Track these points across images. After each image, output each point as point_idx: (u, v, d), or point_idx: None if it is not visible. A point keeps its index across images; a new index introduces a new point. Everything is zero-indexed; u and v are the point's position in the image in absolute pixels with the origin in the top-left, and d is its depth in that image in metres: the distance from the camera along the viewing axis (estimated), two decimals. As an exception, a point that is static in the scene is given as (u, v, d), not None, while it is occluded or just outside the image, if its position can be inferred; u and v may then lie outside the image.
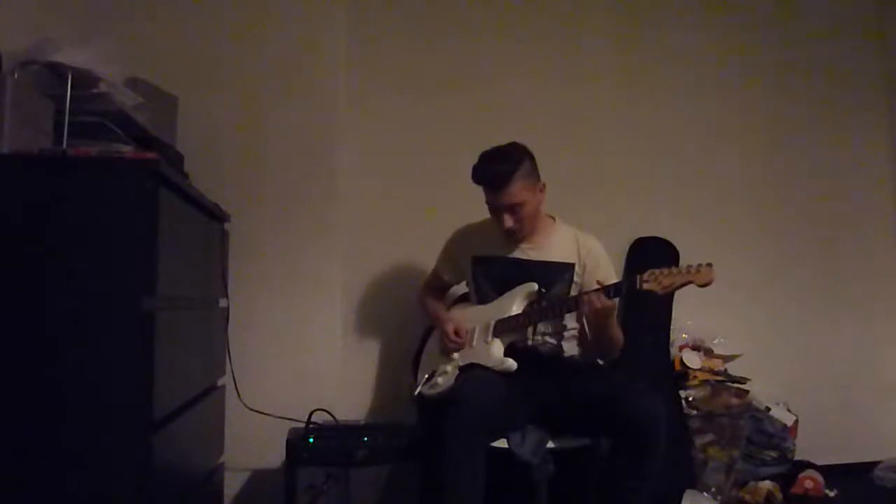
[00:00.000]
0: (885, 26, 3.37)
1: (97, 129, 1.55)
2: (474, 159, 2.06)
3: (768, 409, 2.87)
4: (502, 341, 2.07)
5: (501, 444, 1.95)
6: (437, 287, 2.39)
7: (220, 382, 2.23)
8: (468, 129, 2.81)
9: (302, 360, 2.47)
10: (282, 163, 2.51)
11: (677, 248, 2.98)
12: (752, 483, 2.68)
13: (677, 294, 1.88)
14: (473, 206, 2.17)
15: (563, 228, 2.21)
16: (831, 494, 2.75)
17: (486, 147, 2.08)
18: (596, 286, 1.96)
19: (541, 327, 2.09)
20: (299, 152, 2.53)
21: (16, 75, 1.48)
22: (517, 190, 2.00)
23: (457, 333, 2.15)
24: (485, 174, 2.02)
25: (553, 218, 2.22)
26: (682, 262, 2.90)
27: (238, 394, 2.30)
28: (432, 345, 2.30)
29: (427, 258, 2.41)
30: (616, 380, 2.10)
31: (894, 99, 3.35)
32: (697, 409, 2.69)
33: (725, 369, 2.86)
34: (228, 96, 2.48)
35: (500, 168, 1.99)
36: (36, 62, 1.54)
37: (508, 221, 2.04)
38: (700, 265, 1.76)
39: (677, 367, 2.80)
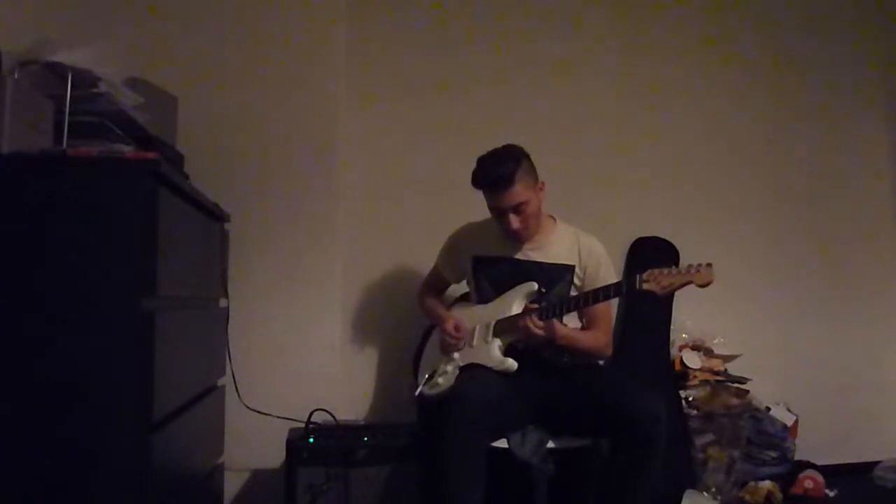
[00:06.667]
0: (885, 26, 3.37)
1: (97, 129, 1.55)
2: (474, 160, 2.06)
3: (768, 409, 2.87)
4: (502, 341, 2.07)
5: (501, 444, 1.95)
6: (436, 286, 2.39)
7: (220, 382, 2.23)
8: (468, 130, 2.81)
9: (302, 360, 2.47)
10: (282, 163, 2.51)
11: (677, 248, 2.98)
12: (752, 483, 2.68)
13: (677, 294, 1.87)
14: (473, 207, 2.17)
15: (563, 228, 2.21)
16: (831, 494, 2.75)
17: (487, 148, 2.08)
18: (600, 284, 1.96)
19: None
20: (299, 152, 2.53)
21: (16, 75, 1.48)
22: (520, 189, 2.00)
23: (457, 330, 2.15)
24: (487, 177, 2.02)
25: (553, 218, 2.22)
26: (683, 262, 2.91)
27: (238, 394, 2.30)
28: (432, 344, 2.30)
29: (427, 258, 2.41)
30: (616, 379, 2.10)
31: (894, 99, 3.35)
32: (697, 409, 2.69)
33: (725, 369, 2.86)
34: (228, 96, 2.48)
35: (501, 170, 1.99)
36: (36, 62, 1.53)
37: (514, 222, 2.04)
38: (700, 265, 1.76)
39: (677, 367, 2.80)
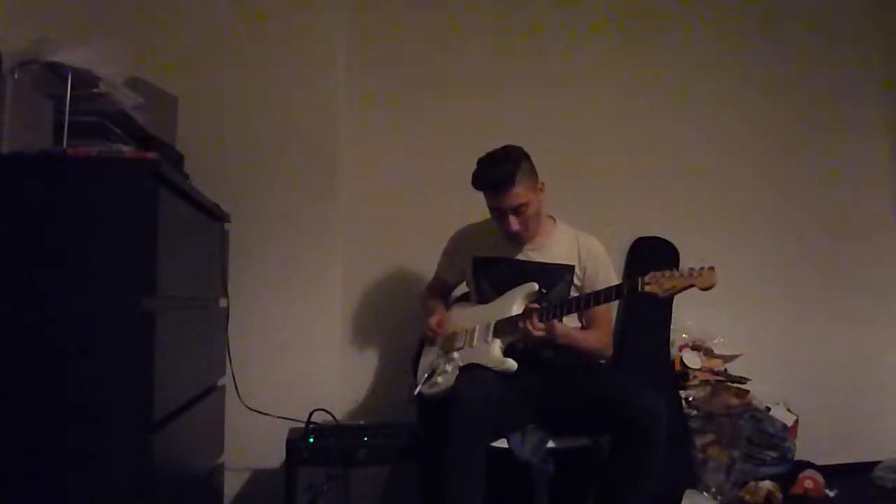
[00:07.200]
0: (886, 29, 3.37)
1: (97, 129, 1.55)
2: (475, 161, 2.06)
3: (768, 409, 2.87)
4: (502, 341, 2.07)
5: (501, 444, 1.95)
6: (439, 289, 2.39)
7: (220, 382, 2.23)
8: (469, 131, 2.81)
9: (302, 360, 2.47)
10: (282, 163, 2.51)
11: (677, 248, 2.98)
12: (752, 483, 2.68)
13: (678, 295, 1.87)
14: (472, 207, 2.17)
15: (563, 229, 2.21)
16: (831, 494, 2.75)
17: (487, 148, 2.08)
18: (599, 286, 1.96)
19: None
20: (299, 153, 2.53)
21: (16, 75, 1.48)
22: (521, 190, 2.00)
23: (439, 325, 2.17)
24: (487, 178, 2.02)
25: (553, 218, 2.23)
26: (683, 262, 2.92)
27: (238, 394, 2.30)
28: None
29: (427, 258, 2.41)
30: (616, 379, 2.11)
31: (895, 100, 3.35)
32: (697, 409, 2.69)
33: (725, 369, 2.86)
34: (228, 96, 2.48)
35: (501, 170, 1.99)
36: (36, 62, 1.54)
37: (514, 224, 2.04)
38: (702, 268, 1.75)
39: (677, 367, 2.80)
